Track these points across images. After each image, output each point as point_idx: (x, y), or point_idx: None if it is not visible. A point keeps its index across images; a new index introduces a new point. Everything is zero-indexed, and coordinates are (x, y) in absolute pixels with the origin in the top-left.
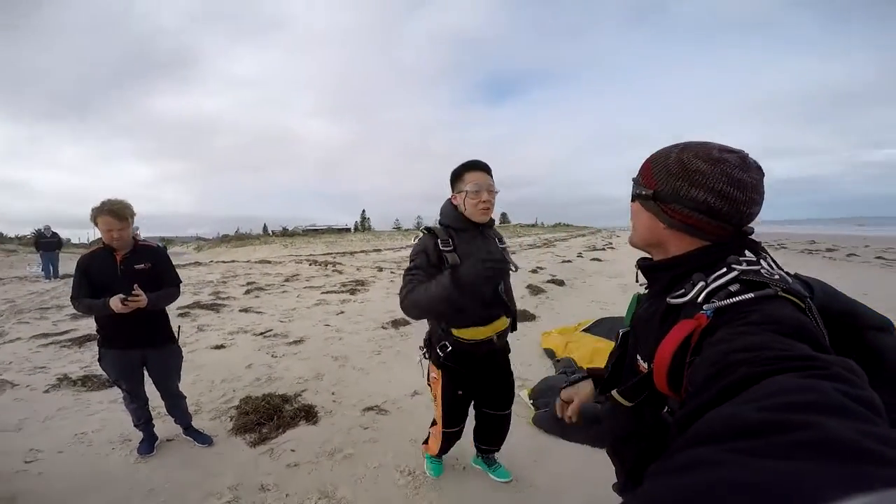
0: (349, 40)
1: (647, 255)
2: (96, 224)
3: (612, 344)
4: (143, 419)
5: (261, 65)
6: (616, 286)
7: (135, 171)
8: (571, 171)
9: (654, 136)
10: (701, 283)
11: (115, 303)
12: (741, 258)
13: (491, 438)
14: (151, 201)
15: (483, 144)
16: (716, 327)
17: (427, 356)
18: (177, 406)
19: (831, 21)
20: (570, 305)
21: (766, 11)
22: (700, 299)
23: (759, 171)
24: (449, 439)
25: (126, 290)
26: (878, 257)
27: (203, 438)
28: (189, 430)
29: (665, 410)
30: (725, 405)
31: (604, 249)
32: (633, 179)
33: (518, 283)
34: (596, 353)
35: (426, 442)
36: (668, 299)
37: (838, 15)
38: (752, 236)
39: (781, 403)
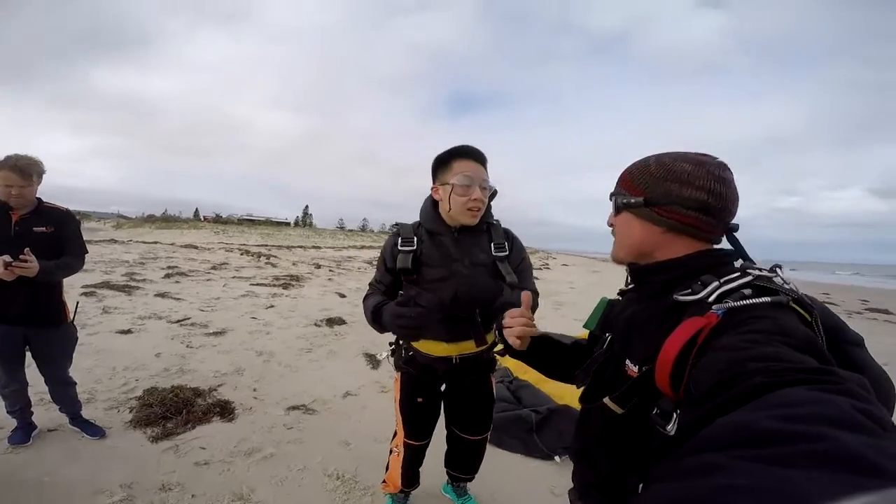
0: (318, 38)
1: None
2: None
3: None
4: (19, 405)
5: (221, 52)
6: (550, 304)
7: (62, 143)
8: (517, 192)
9: (593, 165)
10: (714, 284)
11: None
12: (754, 265)
13: (461, 465)
14: (74, 175)
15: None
16: (724, 329)
17: (392, 355)
18: (64, 393)
19: (768, 69)
20: None
21: (714, 56)
22: (711, 299)
23: (731, 172)
24: (413, 456)
25: (16, 254)
26: None
27: (93, 430)
28: (77, 419)
29: (655, 412)
30: (737, 412)
31: (540, 269)
32: (614, 194)
33: None
34: None
35: (384, 481)
36: (674, 296)
37: (777, 61)
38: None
39: (796, 414)
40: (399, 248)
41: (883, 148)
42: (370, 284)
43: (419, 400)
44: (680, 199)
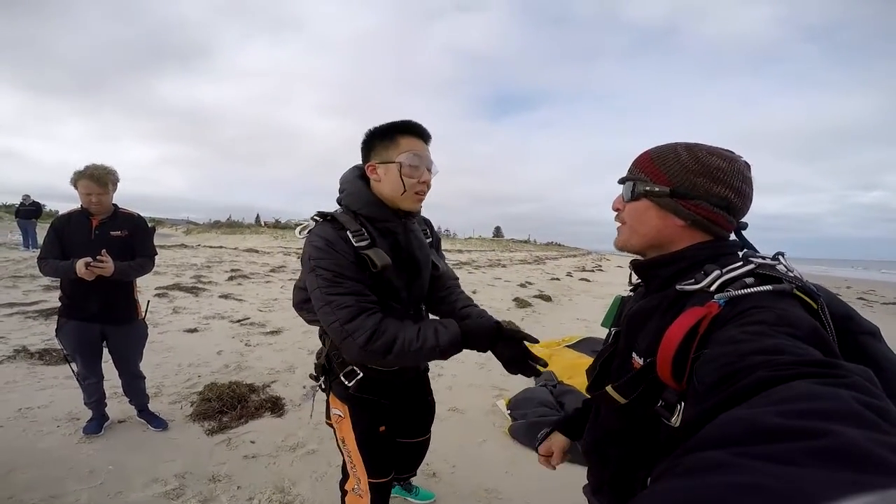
0: (364, 44)
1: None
2: (76, 187)
3: (592, 360)
4: (95, 397)
5: (273, 60)
6: (602, 306)
7: (137, 152)
8: (567, 192)
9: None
10: (716, 272)
11: (80, 266)
12: (758, 253)
13: (408, 466)
14: (149, 182)
15: (483, 157)
16: (726, 318)
17: (323, 388)
18: (134, 386)
19: (836, 57)
20: (556, 321)
21: (773, 45)
22: (713, 288)
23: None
24: (381, 493)
25: (95, 255)
26: (860, 298)
27: (157, 422)
28: (144, 412)
29: (660, 405)
30: (740, 407)
31: (592, 271)
32: (631, 178)
33: (505, 295)
34: (574, 367)
35: None
36: (676, 286)
37: (844, 52)
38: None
39: (799, 410)
40: (356, 243)
41: None
42: (360, 308)
43: (382, 430)
44: (707, 194)
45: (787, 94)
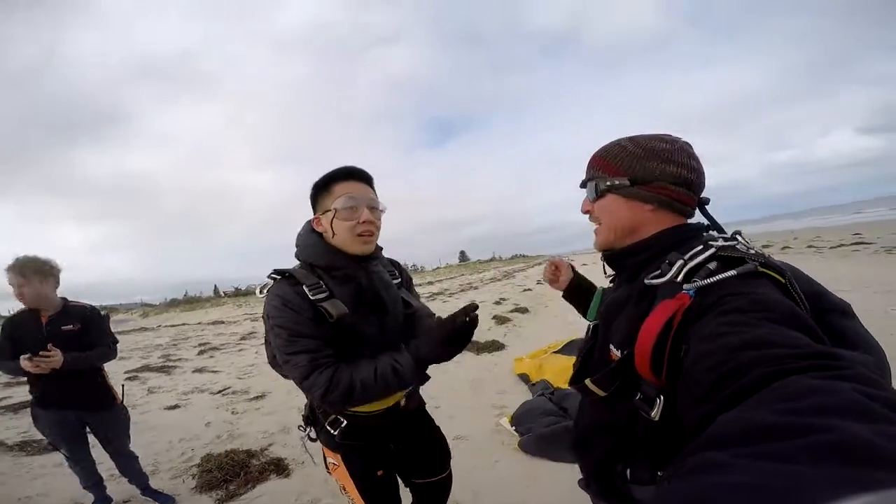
0: (290, 94)
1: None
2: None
3: None
4: (92, 480)
5: (199, 122)
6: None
7: (73, 236)
8: (519, 203)
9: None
10: (679, 262)
11: (24, 362)
12: (717, 235)
13: None
14: (95, 268)
15: (434, 186)
16: (700, 308)
17: (312, 437)
18: (129, 466)
19: (716, 35)
20: (537, 330)
21: (659, 32)
22: (680, 278)
23: None
24: None
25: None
26: (810, 246)
27: (164, 499)
28: (147, 490)
29: (638, 398)
30: (740, 408)
31: None
32: (590, 179)
33: (484, 315)
34: (566, 370)
35: None
36: (644, 280)
37: (721, 29)
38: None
39: (800, 407)
40: (313, 297)
41: (852, 90)
42: (313, 360)
43: (380, 473)
44: (664, 175)
45: (686, 76)
